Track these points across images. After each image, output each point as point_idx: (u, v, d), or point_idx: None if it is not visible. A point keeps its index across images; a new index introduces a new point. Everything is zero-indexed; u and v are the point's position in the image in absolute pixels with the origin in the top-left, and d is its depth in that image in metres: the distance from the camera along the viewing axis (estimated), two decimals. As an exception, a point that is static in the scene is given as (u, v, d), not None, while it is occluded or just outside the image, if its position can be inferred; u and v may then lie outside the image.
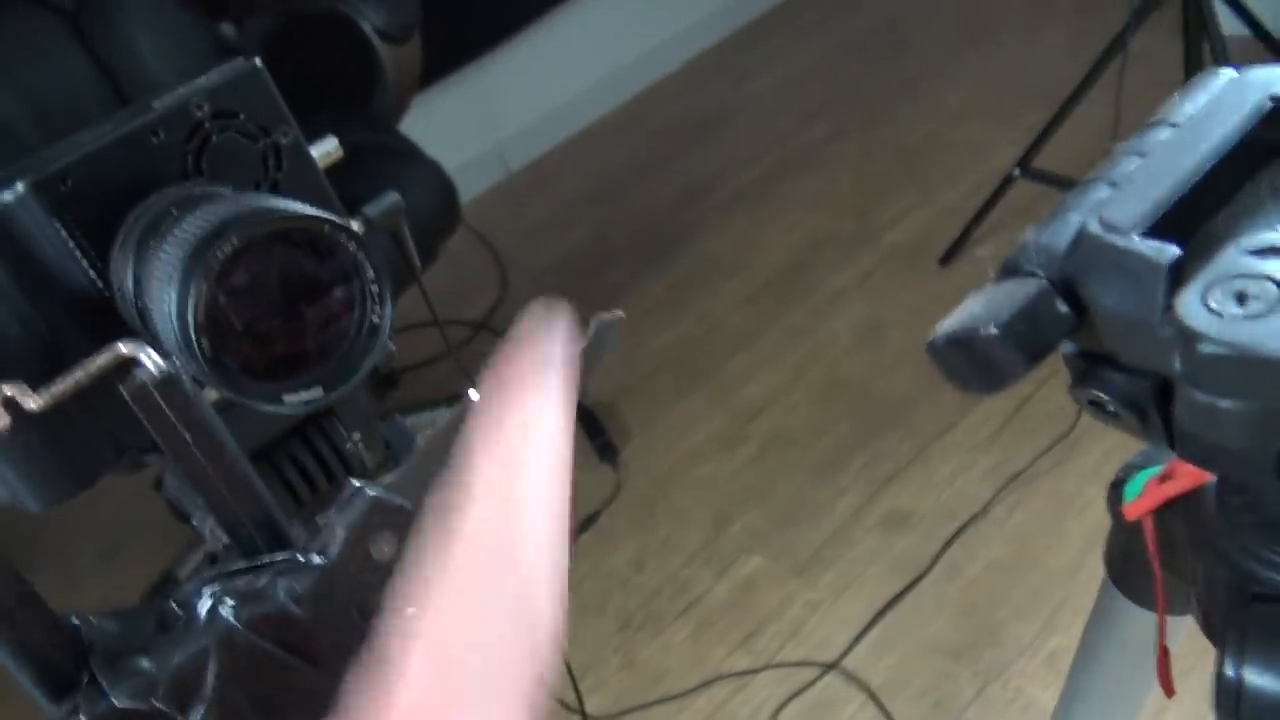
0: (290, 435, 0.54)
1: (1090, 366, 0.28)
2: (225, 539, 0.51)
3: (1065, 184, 1.63)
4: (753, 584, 1.39)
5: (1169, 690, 0.38)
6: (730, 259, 1.94)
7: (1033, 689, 1.18)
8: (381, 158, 1.45)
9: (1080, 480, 1.37)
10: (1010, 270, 0.28)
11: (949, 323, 0.27)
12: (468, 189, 1.88)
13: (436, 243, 1.44)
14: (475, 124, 2.36)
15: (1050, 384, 1.52)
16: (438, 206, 1.42)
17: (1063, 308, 0.26)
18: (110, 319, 0.48)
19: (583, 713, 1.16)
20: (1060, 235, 0.27)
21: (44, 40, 1.58)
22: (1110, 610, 0.41)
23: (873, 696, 1.22)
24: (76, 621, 0.25)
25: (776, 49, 2.50)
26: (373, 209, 0.55)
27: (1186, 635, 0.39)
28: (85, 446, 0.48)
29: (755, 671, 1.28)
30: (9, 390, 0.24)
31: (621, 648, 1.35)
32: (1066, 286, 0.26)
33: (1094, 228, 0.26)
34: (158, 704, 0.23)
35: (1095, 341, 0.27)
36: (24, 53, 1.53)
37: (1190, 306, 0.23)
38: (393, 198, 0.56)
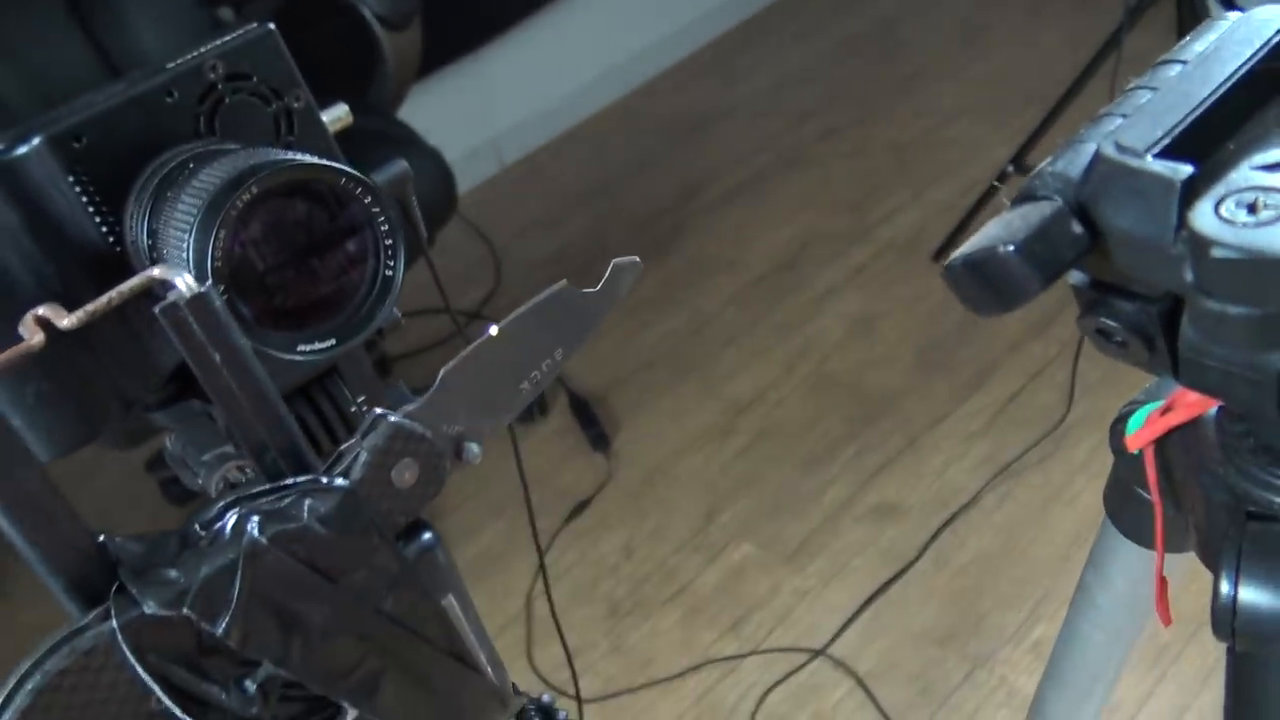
0: (295, 396, 0.54)
1: (1100, 295, 0.29)
2: (244, 469, 0.51)
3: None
4: (741, 571, 1.40)
5: (1166, 619, 0.39)
6: (723, 255, 1.95)
7: (1017, 676, 1.20)
8: (381, 144, 1.46)
9: (1069, 473, 1.39)
10: (1026, 197, 0.29)
11: (965, 247, 0.28)
12: (463, 181, 1.88)
13: (433, 230, 1.45)
14: (471, 116, 2.36)
15: (1040, 378, 1.53)
16: (436, 192, 1.43)
17: (1077, 228, 0.27)
18: (122, 274, 0.48)
19: (578, 697, 1.17)
20: (1075, 161, 0.28)
21: (44, 20, 1.58)
22: (1107, 553, 0.42)
23: (859, 682, 1.23)
24: (104, 539, 0.26)
25: (772, 47, 2.51)
26: (381, 175, 0.55)
27: (1181, 575, 0.40)
28: (92, 398, 0.49)
29: (743, 656, 1.29)
30: (43, 310, 0.25)
31: (611, 633, 1.36)
32: (1081, 210, 0.27)
33: (1109, 150, 0.27)
34: (187, 612, 0.24)
35: (1106, 269, 0.28)
36: (24, 31, 1.53)
37: (1204, 217, 0.24)
38: (400, 165, 0.56)
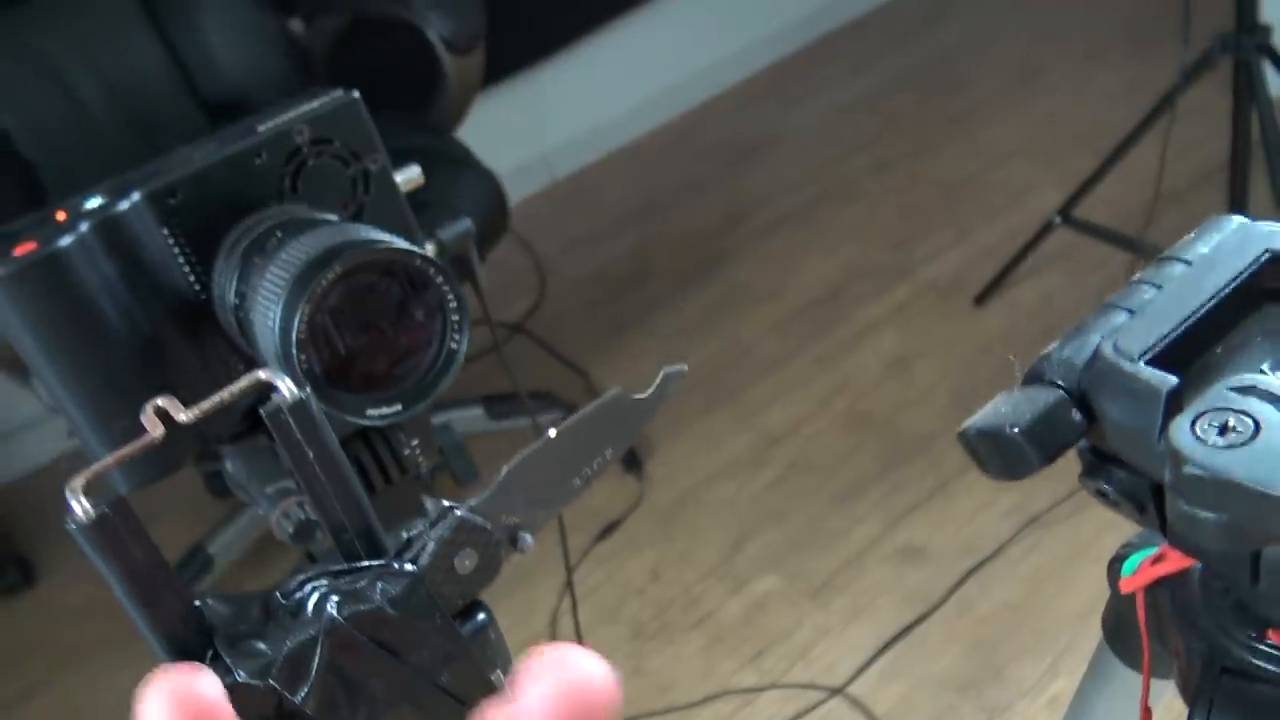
0: (355, 438, 0.58)
1: (1098, 461, 0.32)
2: (296, 525, 0.55)
3: (1104, 235, 1.66)
4: (765, 604, 1.42)
5: (1150, 746, 0.41)
6: (766, 284, 1.98)
7: (1033, 730, 1.21)
8: (438, 163, 1.50)
9: (1098, 528, 1.40)
10: (1034, 377, 0.32)
11: (979, 418, 0.31)
12: (513, 193, 1.92)
13: (485, 248, 1.49)
14: (525, 130, 2.40)
15: (1073, 431, 1.54)
16: (489, 214, 1.46)
17: (1076, 416, 0.30)
18: (206, 322, 0.52)
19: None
20: (1079, 352, 0.31)
21: (121, 24, 1.64)
22: (1104, 669, 0.44)
23: (875, 724, 1.25)
24: (198, 603, 0.29)
25: (828, 78, 2.53)
26: (447, 234, 0.59)
27: (1170, 697, 0.42)
28: (174, 435, 0.52)
29: (761, 690, 1.31)
30: (162, 402, 0.28)
31: (633, 655, 1.39)
32: (1081, 397, 0.30)
33: (1108, 351, 0.29)
34: (273, 682, 0.27)
35: (1103, 442, 0.31)
36: (102, 35, 1.59)
37: (1180, 432, 0.27)
38: (465, 225, 0.60)
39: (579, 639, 1.09)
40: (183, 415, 0.27)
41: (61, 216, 0.49)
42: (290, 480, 0.57)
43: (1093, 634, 1.26)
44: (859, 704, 1.27)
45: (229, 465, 0.65)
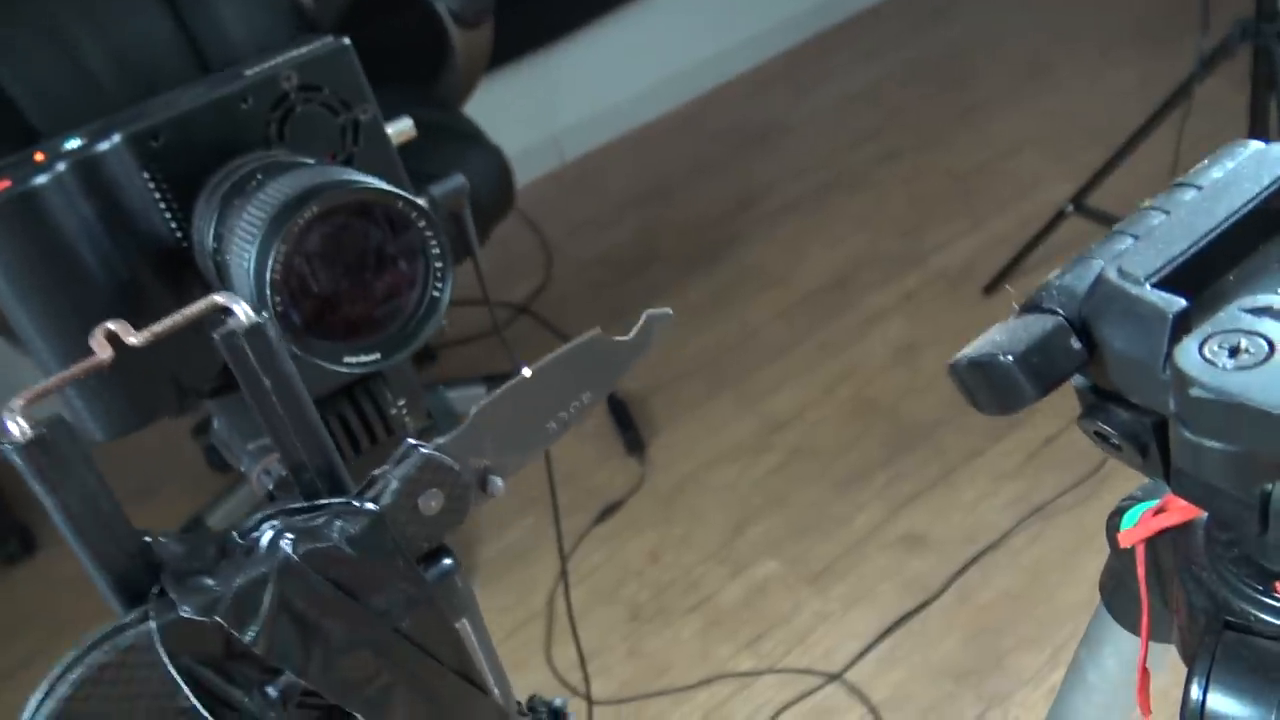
0: (339, 395, 0.57)
1: (1098, 400, 0.30)
2: (276, 480, 0.53)
3: (1116, 224, 1.64)
4: (764, 588, 1.41)
5: (1146, 709, 0.39)
6: (773, 269, 1.96)
7: (1031, 720, 1.19)
8: (444, 138, 1.48)
9: (1101, 519, 1.37)
10: (1032, 306, 0.30)
11: (970, 348, 0.30)
12: (522, 174, 1.91)
13: (489, 225, 1.47)
14: (535, 111, 2.39)
15: (1080, 422, 1.52)
16: (495, 190, 1.45)
17: (1075, 344, 0.28)
18: (186, 269, 0.51)
19: (588, 698, 1.19)
20: (1081, 278, 0.29)
21: (132, -5, 1.62)
22: (1101, 634, 0.43)
23: (873, 710, 1.24)
24: (149, 539, 0.28)
25: (840, 64, 2.51)
26: (439, 189, 0.57)
27: (1169, 667, 0.40)
28: (151, 386, 0.51)
29: (758, 674, 1.30)
30: (113, 325, 0.27)
31: (630, 636, 1.38)
32: (1082, 325, 0.28)
33: (1111, 274, 0.28)
34: (220, 619, 0.26)
35: (1104, 378, 0.29)
36: (111, 3, 1.58)
37: (1188, 354, 0.25)
38: (458, 180, 0.58)
39: (571, 623, 1.07)
40: (132, 338, 0.26)
41: (40, 157, 0.48)
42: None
43: (1095, 625, 1.24)
44: (856, 690, 1.26)
45: (214, 423, 0.64)
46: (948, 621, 1.31)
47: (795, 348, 1.78)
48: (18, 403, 0.25)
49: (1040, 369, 0.28)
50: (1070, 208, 1.67)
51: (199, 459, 1.76)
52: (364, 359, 0.42)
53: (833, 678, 1.28)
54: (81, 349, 0.49)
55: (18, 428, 0.24)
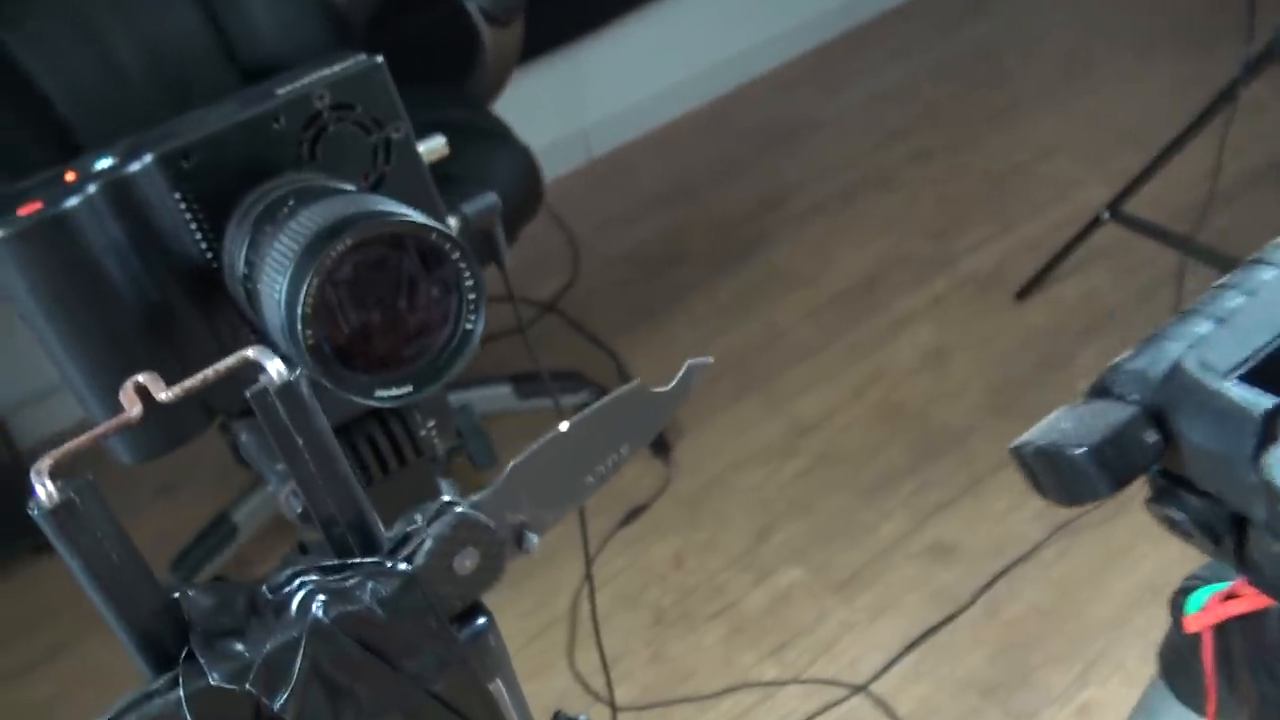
0: (369, 416, 0.56)
1: (1170, 486, 0.29)
2: (304, 504, 0.53)
3: (1154, 233, 1.61)
4: (789, 596, 1.39)
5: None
6: (801, 270, 1.94)
7: (1060, 738, 1.18)
8: (473, 137, 1.48)
9: (1133, 535, 1.36)
10: (1102, 391, 0.29)
11: (1036, 433, 0.28)
12: (549, 170, 1.90)
13: (518, 226, 1.47)
14: (563, 106, 2.38)
15: (1113, 433, 1.49)
16: (523, 190, 1.44)
17: (1151, 436, 0.26)
18: (216, 290, 0.50)
19: (613, 705, 1.18)
20: (1155, 364, 0.28)
21: (163, -12, 1.62)
22: (1158, 707, 0.41)
23: (897, 724, 1.22)
24: (176, 596, 0.27)
25: (871, 63, 2.48)
26: (471, 208, 0.57)
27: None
28: (180, 411, 0.51)
29: (782, 683, 1.29)
30: (143, 379, 0.26)
31: (653, 642, 1.37)
32: (1157, 414, 0.27)
33: (1190, 365, 0.26)
34: (250, 688, 0.25)
35: (1178, 465, 0.28)
36: (146, 2, 1.58)
37: (1278, 467, 0.23)
38: (490, 199, 0.58)
39: (595, 629, 1.07)
40: (163, 394, 0.25)
41: (71, 177, 0.48)
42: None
43: (1127, 642, 1.23)
44: (881, 703, 1.25)
45: (242, 436, 0.63)
46: (975, 635, 1.30)
47: (823, 350, 1.76)
48: (45, 464, 0.24)
49: (1114, 463, 0.27)
50: (1106, 214, 1.64)
51: (225, 453, 1.76)
52: (395, 392, 0.42)
53: (858, 689, 1.27)
54: (109, 371, 0.48)
55: (45, 491, 0.24)
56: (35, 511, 0.24)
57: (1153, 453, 0.26)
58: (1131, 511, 1.38)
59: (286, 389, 0.25)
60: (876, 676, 1.27)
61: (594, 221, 2.22)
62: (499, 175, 1.41)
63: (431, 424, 0.57)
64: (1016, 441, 0.29)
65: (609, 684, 1.14)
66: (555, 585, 1.46)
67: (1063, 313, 1.70)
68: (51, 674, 1.54)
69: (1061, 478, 0.27)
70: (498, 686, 0.29)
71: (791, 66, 2.53)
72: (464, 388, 1.61)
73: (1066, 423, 0.28)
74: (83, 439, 0.25)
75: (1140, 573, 1.31)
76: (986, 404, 1.59)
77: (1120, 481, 0.27)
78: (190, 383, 0.26)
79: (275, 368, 0.25)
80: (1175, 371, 0.27)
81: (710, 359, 0.31)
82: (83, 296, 0.45)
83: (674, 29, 2.42)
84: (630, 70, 2.41)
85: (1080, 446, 0.26)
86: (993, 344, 1.69)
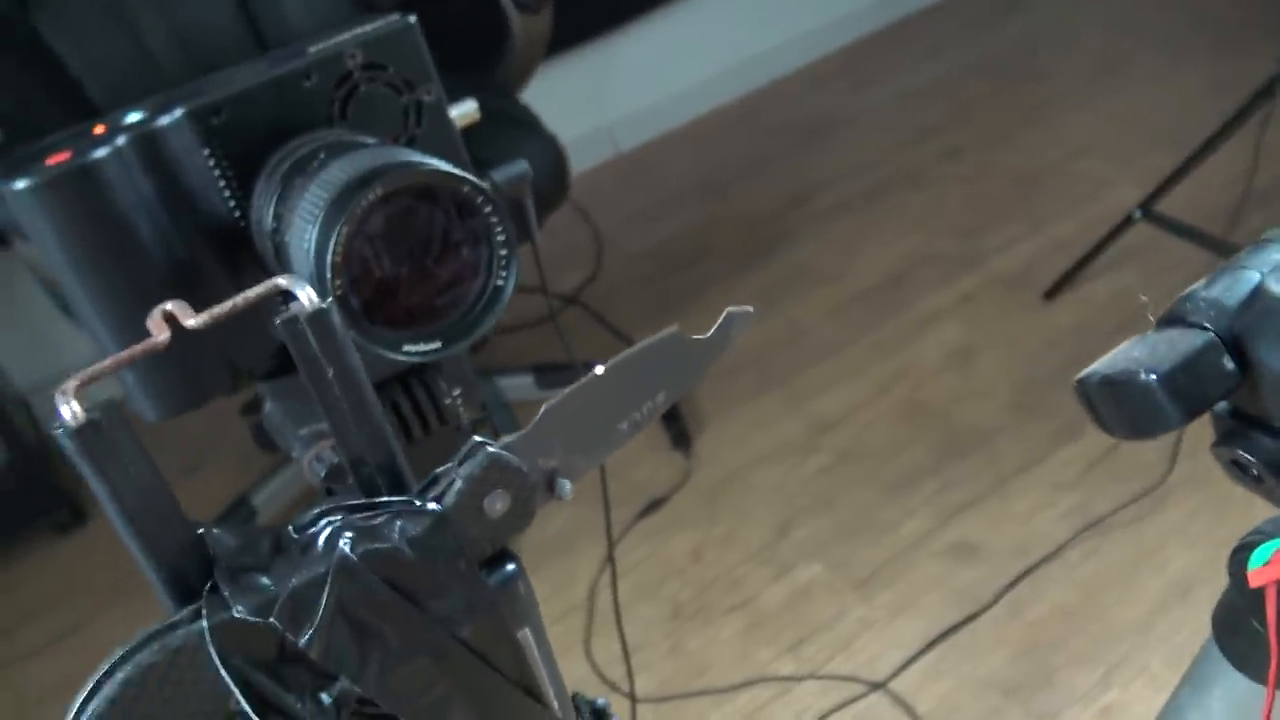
0: (393, 382, 0.55)
1: (1240, 426, 0.27)
2: (328, 468, 0.52)
3: (1186, 233, 1.58)
4: (808, 592, 1.38)
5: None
6: (826, 266, 1.93)
7: (1083, 740, 1.16)
8: (501, 124, 1.47)
9: (1161, 537, 1.33)
10: (1174, 319, 0.27)
11: (1103, 363, 0.27)
12: (575, 164, 1.89)
13: (544, 215, 1.46)
14: (590, 100, 2.37)
15: (1142, 434, 1.47)
16: (550, 179, 1.44)
17: (1228, 364, 0.25)
18: (243, 249, 0.50)
19: (632, 696, 1.17)
20: (1233, 290, 0.26)
21: (194, -28, 1.63)
22: (1210, 674, 0.40)
23: (917, 722, 1.21)
24: (202, 531, 0.27)
25: (901, 60, 2.46)
26: (501, 175, 0.56)
27: None
28: (205, 368, 0.50)
29: (800, 679, 1.28)
30: (171, 306, 0.25)
31: (671, 634, 1.36)
32: (1234, 342, 0.26)
33: (1273, 286, 0.25)
34: (274, 620, 0.25)
35: (1252, 402, 0.26)
36: (175, -17, 1.59)
37: None
38: (521, 166, 0.57)
39: (618, 619, 1.06)
40: (191, 320, 0.24)
41: (100, 129, 0.47)
42: (324, 422, 0.54)
43: (1153, 645, 1.20)
44: (900, 701, 1.23)
45: (266, 406, 0.63)
46: (997, 634, 1.28)
47: (847, 347, 1.75)
48: (71, 384, 0.23)
49: (1186, 391, 0.25)
50: (1139, 213, 1.62)
51: (246, 437, 1.76)
52: (424, 348, 0.41)
53: (876, 686, 1.25)
54: (136, 326, 0.48)
55: (70, 411, 0.23)
56: (60, 431, 0.24)
57: (1228, 381, 0.25)
58: (1161, 512, 1.36)
59: (318, 316, 0.25)
60: (895, 674, 1.26)
61: (619, 216, 2.21)
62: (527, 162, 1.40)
63: (457, 392, 0.57)
64: (1083, 373, 0.28)
65: (630, 674, 1.13)
66: (572, 574, 1.46)
67: (1092, 313, 1.68)
68: (71, 650, 1.55)
69: (1129, 408, 0.26)
70: (526, 636, 0.29)
71: (823, 63, 2.52)
72: (486, 376, 1.60)
73: (1137, 350, 0.27)
74: (108, 362, 0.25)
75: (1168, 575, 1.29)
76: (1013, 404, 1.57)
77: (1191, 412, 0.26)
78: (219, 309, 0.25)
79: (307, 295, 0.25)
80: (1256, 296, 0.25)
81: (750, 308, 0.30)
82: (109, 249, 0.45)
83: (704, 24, 2.41)
84: (659, 65, 2.40)
85: (1151, 373, 0.25)
86: (1020, 344, 1.67)
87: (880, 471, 1.52)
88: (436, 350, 0.41)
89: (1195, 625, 1.23)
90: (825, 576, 1.39)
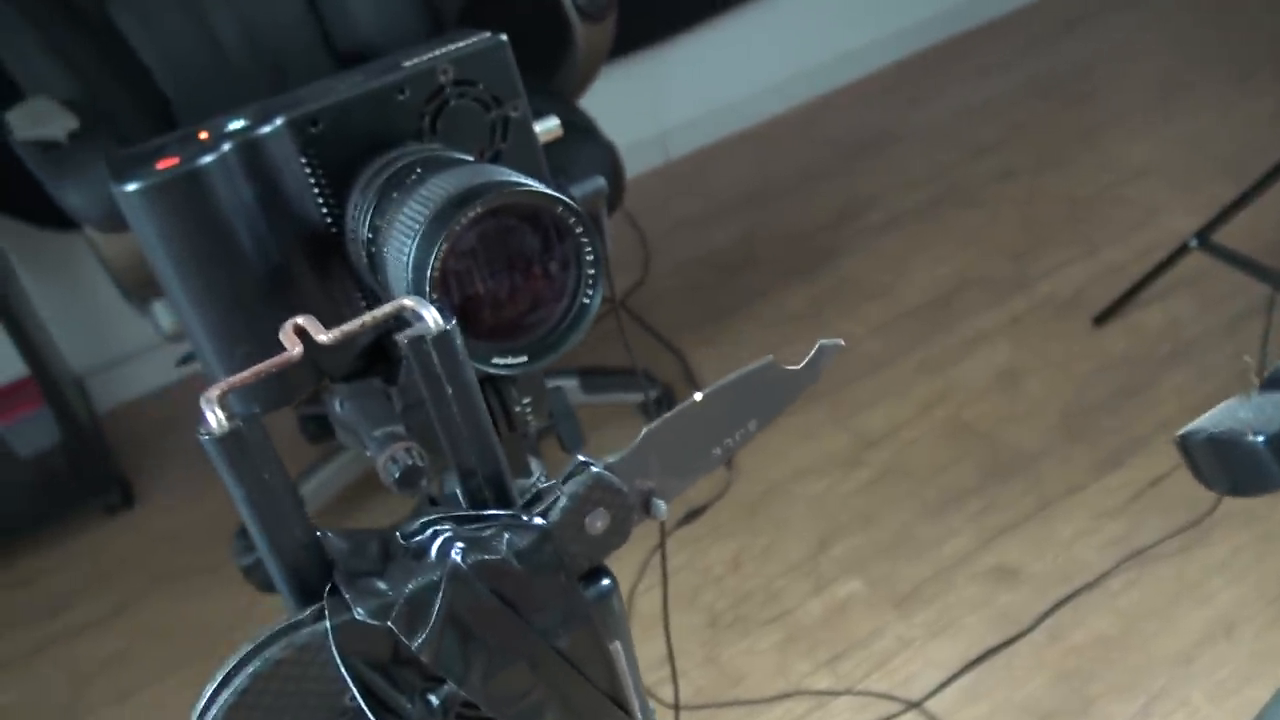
0: (467, 389, 0.57)
1: None
2: (402, 470, 0.54)
3: (1243, 264, 1.57)
4: (847, 607, 1.38)
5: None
6: (875, 282, 1.93)
7: (1119, 771, 1.15)
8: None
9: (1205, 571, 1.32)
10: (1277, 381, 0.28)
11: (1208, 420, 0.27)
12: (626, 168, 1.90)
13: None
14: (644, 106, 2.39)
15: (1190, 465, 1.46)
16: (607, 187, 1.45)
17: None
18: (333, 255, 0.51)
19: (676, 705, 1.18)
20: None
21: (265, -30, 1.66)
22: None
23: (951, 744, 1.21)
24: (318, 534, 0.28)
25: (958, 77, 2.45)
26: (579, 190, 0.57)
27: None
28: (294, 370, 0.52)
29: (836, 694, 1.28)
30: (303, 321, 0.27)
31: (708, 643, 1.37)
32: None
33: None
34: (391, 624, 0.26)
35: None
36: (247, -20, 1.62)
37: None
38: (598, 182, 0.58)
39: (666, 625, 1.07)
40: (323, 336, 0.26)
41: (204, 136, 0.49)
42: (399, 424, 0.56)
43: (1194, 680, 1.19)
44: (935, 721, 1.23)
45: (337, 406, 0.64)
46: (1036, 659, 1.27)
47: (892, 364, 1.75)
48: (214, 392, 0.25)
49: None
50: (1194, 242, 1.60)
51: (293, 429, 1.80)
52: (511, 361, 0.42)
53: (912, 705, 1.25)
54: (232, 325, 0.50)
55: (215, 418, 0.25)
56: (205, 438, 0.25)
57: (1337, 447, 0.26)
58: (1205, 546, 1.35)
59: (443, 337, 0.26)
60: (932, 694, 1.26)
61: (667, 223, 2.22)
62: (584, 170, 1.42)
63: (527, 400, 0.58)
64: (1186, 429, 0.28)
65: (674, 679, 1.14)
66: (612, 579, 1.47)
67: (1142, 341, 1.66)
68: (117, 630, 1.58)
69: (1232, 467, 0.27)
70: (616, 648, 0.30)
71: (878, 77, 2.52)
72: (561, 388, 1.62)
73: (1243, 412, 0.27)
74: (247, 374, 0.26)
75: (1212, 609, 1.28)
76: (1059, 428, 1.56)
77: (1301, 476, 0.26)
78: (349, 326, 0.26)
79: (432, 316, 0.26)
80: (1365, 365, 0.26)
81: (841, 341, 0.31)
82: (212, 252, 0.47)
83: (760, 35, 2.41)
84: (714, 73, 2.41)
85: (1259, 435, 0.26)
86: (1069, 368, 1.66)
87: (923, 489, 1.52)
88: (523, 364, 0.42)
89: (1238, 663, 1.21)
90: (864, 592, 1.40)
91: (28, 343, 1.64)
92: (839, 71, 2.51)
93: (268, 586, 1.58)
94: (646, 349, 1.88)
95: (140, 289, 1.23)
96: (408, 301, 0.27)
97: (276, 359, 0.27)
